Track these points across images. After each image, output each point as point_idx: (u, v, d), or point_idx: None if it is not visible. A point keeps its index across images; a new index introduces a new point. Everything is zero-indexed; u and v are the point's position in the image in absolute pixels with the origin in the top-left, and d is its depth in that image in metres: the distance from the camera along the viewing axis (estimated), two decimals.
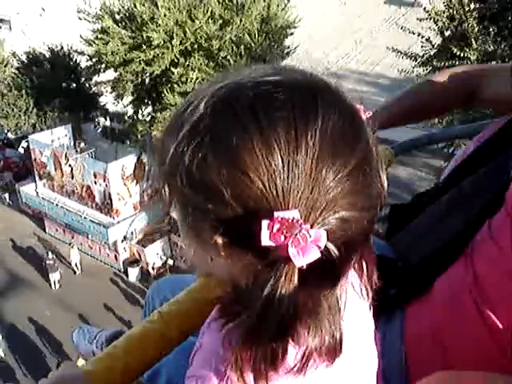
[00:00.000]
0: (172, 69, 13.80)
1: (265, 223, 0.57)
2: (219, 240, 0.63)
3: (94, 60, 17.36)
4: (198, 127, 0.61)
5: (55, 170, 18.91)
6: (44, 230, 20.06)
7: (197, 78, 13.59)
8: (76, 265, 17.91)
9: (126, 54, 14.36)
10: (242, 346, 0.61)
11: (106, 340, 1.57)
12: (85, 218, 18.28)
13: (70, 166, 18.02)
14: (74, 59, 21.25)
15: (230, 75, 0.67)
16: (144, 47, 13.89)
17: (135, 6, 14.15)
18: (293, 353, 0.62)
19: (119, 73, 15.32)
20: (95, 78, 20.20)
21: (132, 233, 18.32)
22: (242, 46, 13.55)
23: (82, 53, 17.78)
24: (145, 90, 15.64)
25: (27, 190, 20.07)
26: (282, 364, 0.61)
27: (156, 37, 13.40)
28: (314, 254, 0.57)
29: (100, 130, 23.51)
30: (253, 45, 13.76)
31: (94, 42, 14.83)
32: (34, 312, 15.57)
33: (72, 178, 18.42)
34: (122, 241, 18.19)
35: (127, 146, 20.17)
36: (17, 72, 21.48)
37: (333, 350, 0.64)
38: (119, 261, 18.14)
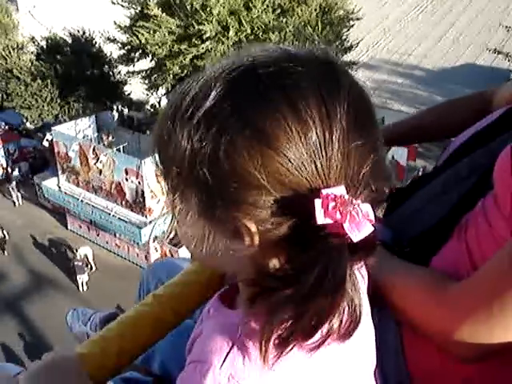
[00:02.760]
0: None
1: (318, 202, 0.56)
2: (253, 228, 0.59)
3: (125, 48, 16.23)
4: (218, 109, 0.57)
5: (81, 164, 17.83)
6: (66, 227, 19.09)
7: None
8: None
9: (173, 46, 13.14)
10: (276, 320, 0.58)
11: (100, 322, 1.55)
12: (113, 215, 17.26)
13: (101, 162, 16.92)
14: (96, 45, 19.99)
15: (236, 55, 0.62)
16: (194, 40, 12.66)
17: None
18: (322, 328, 0.61)
19: (160, 64, 14.08)
20: (122, 67, 18.99)
21: (163, 232, 17.35)
22: (302, 39, 12.41)
23: (113, 40, 16.55)
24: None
25: (49, 184, 18.96)
26: (310, 339, 0.60)
27: (209, 29, 12.16)
28: (368, 229, 0.57)
29: (117, 118, 22.33)
30: (316, 37, 12.63)
31: (138, 31, 13.53)
32: (62, 316, 14.62)
33: (100, 173, 17.35)
34: (154, 240, 17.24)
35: (147, 136, 19.07)
36: (35, 59, 20.13)
37: (351, 328, 0.63)
38: (150, 261, 17.16)
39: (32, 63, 19.63)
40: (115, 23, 15.48)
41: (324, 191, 0.56)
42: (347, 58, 14.42)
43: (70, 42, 20.09)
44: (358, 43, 14.68)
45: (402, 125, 1.52)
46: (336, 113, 0.57)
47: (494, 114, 1.21)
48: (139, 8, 14.28)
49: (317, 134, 0.56)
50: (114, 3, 15.66)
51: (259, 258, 0.64)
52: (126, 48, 16.26)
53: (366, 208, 0.58)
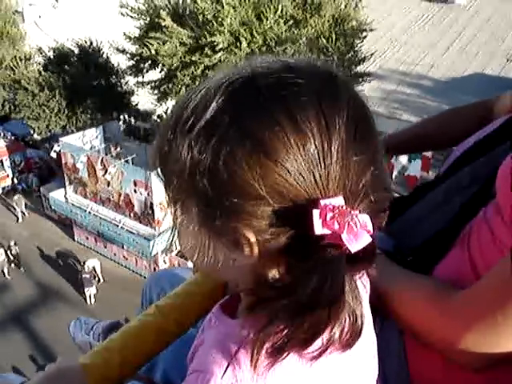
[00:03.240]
0: None
1: (316, 212, 0.56)
2: (253, 238, 0.60)
3: (135, 59, 16.08)
4: (218, 121, 0.58)
5: (88, 175, 17.67)
6: (73, 238, 18.92)
7: None
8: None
9: (184, 56, 12.97)
10: (271, 329, 0.59)
11: (102, 331, 1.54)
12: (121, 227, 17.07)
13: (109, 173, 16.75)
14: (104, 56, 19.87)
15: (236, 66, 0.63)
16: (207, 50, 12.48)
17: (195, 1, 12.75)
18: (321, 338, 0.61)
19: (170, 75, 13.92)
20: (129, 78, 18.86)
21: (172, 244, 17.13)
22: (315, 50, 12.24)
23: (123, 51, 16.41)
24: None
25: (56, 195, 18.78)
26: (309, 348, 0.61)
27: (221, 40, 11.97)
28: (366, 239, 0.57)
29: (122, 128, 22.16)
30: (330, 49, 12.48)
31: (149, 42, 13.37)
32: None
33: (108, 185, 17.18)
34: (162, 252, 17.03)
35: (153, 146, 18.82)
36: (43, 69, 19.99)
37: (352, 338, 0.63)
38: None
39: (40, 74, 19.47)
40: (125, 34, 15.35)
41: (322, 202, 0.56)
42: (358, 68, 14.27)
43: (77, 52, 19.97)
44: (372, 54, 14.53)
45: (405, 133, 1.52)
46: (335, 124, 0.58)
47: (495, 123, 1.22)
48: (149, 18, 14.14)
49: (315, 145, 0.57)
50: (123, 15, 15.54)
51: (259, 268, 0.64)
52: (135, 59, 16.12)
53: (365, 218, 0.58)
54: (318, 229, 0.56)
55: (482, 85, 22.36)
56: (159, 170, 0.66)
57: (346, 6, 12.94)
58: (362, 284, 0.73)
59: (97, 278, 17.01)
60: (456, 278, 0.95)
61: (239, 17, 12.32)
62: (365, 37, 13.86)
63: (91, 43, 19.95)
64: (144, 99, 19.18)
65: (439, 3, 31.94)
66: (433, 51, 27.44)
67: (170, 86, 14.34)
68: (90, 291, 16.24)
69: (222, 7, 12.33)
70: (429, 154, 12.69)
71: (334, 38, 12.46)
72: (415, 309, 0.94)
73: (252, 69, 0.61)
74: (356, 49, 13.74)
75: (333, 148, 0.57)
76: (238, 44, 12.37)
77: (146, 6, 15.01)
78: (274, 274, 0.64)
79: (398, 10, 30.12)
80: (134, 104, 20.77)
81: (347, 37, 13.11)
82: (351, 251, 0.57)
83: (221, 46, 12.03)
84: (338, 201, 0.57)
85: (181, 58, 13.03)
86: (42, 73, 19.58)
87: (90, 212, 17.85)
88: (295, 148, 0.56)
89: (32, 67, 20.50)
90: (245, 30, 12.32)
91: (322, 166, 0.57)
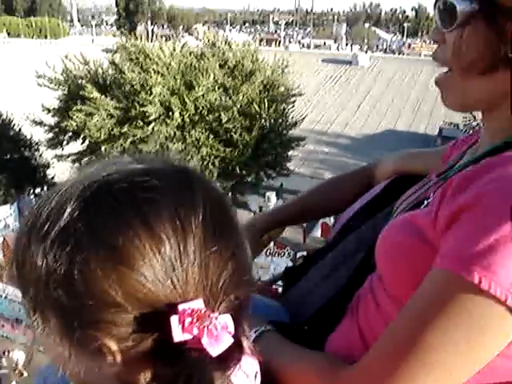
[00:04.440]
0: (170, 144, 11.87)
1: (174, 319, 0.55)
2: (114, 347, 0.58)
3: (53, 131, 15.29)
4: (72, 228, 0.57)
5: (4, 256, 16.35)
6: None
7: (206, 154, 11.88)
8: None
9: (112, 129, 12.42)
10: None
11: None
12: None
13: None
14: (15, 128, 18.88)
15: (87, 171, 0.63)
16: (138, 121, 12.00)
17: (121, 72, 12.33)
18: None
19: (95, 147, 13.24)
20: (44, 150, 17.94)
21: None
22: (249, 117, 12.14)
23: (40, 123, 15.59)
24: None
25: None
26: None
27: (153, 110, 11.57)
28: (228, 341, 0.58)
29: None
30: (264, 115, 12.41)
31: (74, 114, 12.70)
32: None
33: None
34: None
35: None
36: None
37: None
38: None
39: None
40: (43, 106, 14.61)
41: (181, 306, 0.56)
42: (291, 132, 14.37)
43: None
44: (302, 119, 14.69)
45: (290, 206, 1.53)
46: (191, 226, 0.58)
47: (377, 188, 1.25)
48: (68, 89, 13.56)
49: (171, 249, 0.56)
50: (40, 85, 14.84)
51: (125, 375, 0.61)
52: (53, 131, 15.34)
53: (226, 319, 0.58)
54: (178, 335, 0.55)
55: (394, 140, 23.42)
56: (16, 278, 0.62)
57: (272, 73, 13.05)
58: (245, 374, 0.70)
59: (17, 372, 15.39)
60: (348, 348, 0.96)
61: (168, 85, 12.02)
62: (294, 101, 14.02)
63: (0, 115, 18.98)
64: (61, 170, 18.30)
65: (344, 65, 33.63)
66: (345, 110, 28.58)
67: (93, 157, 13.64)
68: None
69: (150, 76, 12.00)
70: (327, 219, 12.71)
71: (265, 104, 12.45)
72: None
73: (107, 173, 0.60)
74: (287, 113, 13.83)
75: (190, 250, 0.57)
76: (170, 114, 12.00)
77: (65, 76, 14.42)
78: (140, 379, 0.61)
79: (307, 72, 31.31)
80: (50, 177, 19.81)
81: (278, 102, 13.17)
82: (212, 355, 0.56)
83: (153, 116, 11.59)
84: (198, 304, 0.56)
85: (109, 130, 12.44)
86: None
87: (5, 297, 16.45)
88: (151, 254, 0.55)
89: None
90: (175, 99, 12.00)
91: (180, 270, 0.56)
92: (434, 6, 0.94)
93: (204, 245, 0.58)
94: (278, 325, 0.98)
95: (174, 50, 12.95)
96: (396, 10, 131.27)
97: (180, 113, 11.95)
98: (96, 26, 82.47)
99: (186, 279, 0.57)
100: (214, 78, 12.16)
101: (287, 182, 15.23)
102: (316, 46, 72.00)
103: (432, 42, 0.93)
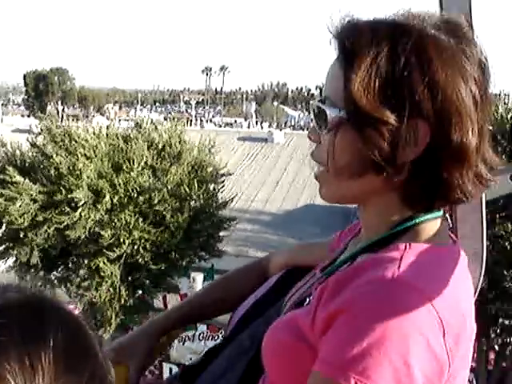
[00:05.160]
0: (100, 231, 11.45)
1: None
2: None
3: None
4: None
5: None
6: None
7: (137, 238, 11.54)
8: None
9: (36, 215, 11.84)
10: None
11: None
12: None
13: None
14: None
15: None
16: (63, 207, 11.53)
17: (45, 154, 11.92)
18: None
19: (16, 235, 12.53)
20: None
21: None
22: (179, 199, 12.04)
23: None
24: (54, 256, 12.76)
25: None
26: None
27: (82, 195, 11.20)
28: None
29: None
30: (194, 196, 12.35)
31: None
32: None
33: None
34: None
35: None
36: None
37: None
38: None
39: None
40: None
41: None
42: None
43: None
44: (232, 198, 14.74)
45: (183, 307, 1.53)
46: (41, 362, 0.56)
47: (271, 281, 1.27)
48: None
49: None
50: None
51: None
52: None
53: None
54: None
55: (315, 214, 23.97)
56: None
57: (199, 153, 13.17)
58: None
59: None
60: None
61: (95, 168, 11.76)
62: (223, 181, 14.12)
63: None
64: None
65: (260, 142, 34.57)
66: (264, 187, 29.10)
67: (14, 246, 12.87)
68: None
69: (77, 159, 11.70)
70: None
71: (195, 185, 12.45)
72: None
73: None
74: (217, 194, 13.87)
75: None
76: (100, 198, 11.67)
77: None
78: None
79: (224, 150, 31.90)
80: None
81: (207, 183, 13.21)
82: None
83: (83, 201, 11.21)
84: None
85: (32, 215, 11.86)
86: None
87: None
88: None
89: None
90: (104, 182, 11.73)
91: None
92: (309, 108, 1.00)
93: (54, 379, 0.57)
94: None
95: (100, 131, 12.76)
96: (302, 89, 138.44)
97: (110, 196, 11.65)
98: (2, 105, 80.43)
99: None
100: (143, 159, 12.04)
101: (217, 262, 15.07)
102: (227, 124, 73.96)
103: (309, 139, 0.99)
